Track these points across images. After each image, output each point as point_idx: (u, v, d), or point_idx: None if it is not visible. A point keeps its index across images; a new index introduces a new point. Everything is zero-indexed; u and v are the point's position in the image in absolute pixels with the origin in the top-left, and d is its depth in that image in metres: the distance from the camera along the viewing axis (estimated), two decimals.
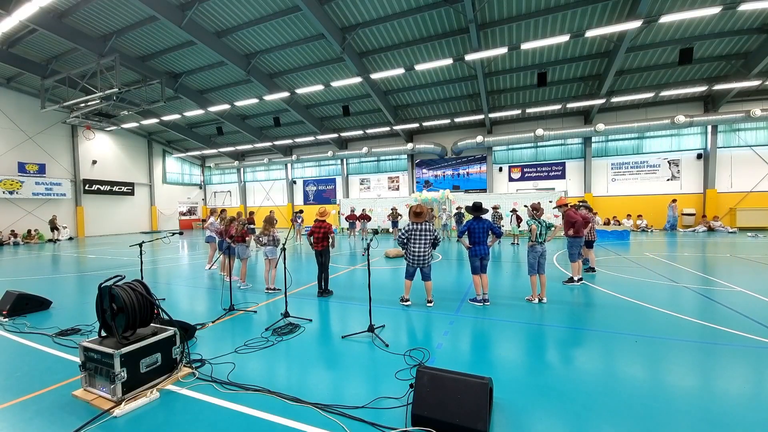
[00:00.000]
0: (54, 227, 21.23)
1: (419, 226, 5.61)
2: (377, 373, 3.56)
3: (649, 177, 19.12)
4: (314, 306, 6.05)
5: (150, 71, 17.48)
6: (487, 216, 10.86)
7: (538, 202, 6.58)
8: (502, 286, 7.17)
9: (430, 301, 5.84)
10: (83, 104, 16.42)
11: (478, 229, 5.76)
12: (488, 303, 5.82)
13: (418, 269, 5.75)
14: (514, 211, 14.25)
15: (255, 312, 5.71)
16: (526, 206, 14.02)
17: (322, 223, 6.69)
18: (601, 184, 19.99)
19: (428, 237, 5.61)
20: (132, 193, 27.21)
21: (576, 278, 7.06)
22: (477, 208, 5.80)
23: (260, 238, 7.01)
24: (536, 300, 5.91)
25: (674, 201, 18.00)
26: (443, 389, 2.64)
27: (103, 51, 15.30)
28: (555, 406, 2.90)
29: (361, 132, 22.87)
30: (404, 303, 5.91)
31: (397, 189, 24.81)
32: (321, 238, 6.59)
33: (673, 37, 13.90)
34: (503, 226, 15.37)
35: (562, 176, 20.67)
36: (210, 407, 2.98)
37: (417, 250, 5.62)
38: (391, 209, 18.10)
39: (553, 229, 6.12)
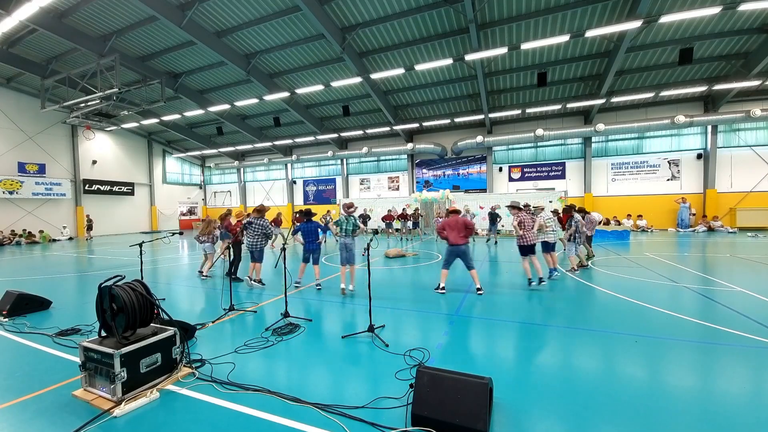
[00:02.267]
0: (90, 227, 22.38)
1: (255, 221, 7.32)
2: (377, 373, 3.55)
3: (649, 177, 19.12)
4: (314, 306, 6.06)
5: (150, 71, 17.48)
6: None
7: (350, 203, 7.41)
8: (495, 282, 7.17)
9: (253, 279, 7.36)
10: (83, 104, 16.41)
11: (308, 230, 7.19)
12: (320, 288, 7.13)
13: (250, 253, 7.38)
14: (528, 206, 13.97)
15: (255, 312, 5.72)
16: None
17: (240, 223, 8.29)
18: (601, 184, 19.99)
19: (258, 230, 7.29)
20: (132, 193, 27.21)
21: (477, 287, 6.38)
22: (307, 213, 7.34)
23: (199, 237, 8.42)
24: (350, 288, 6.72)
25: (684, 200, 17.77)
26: (443, 389, 2.64)
27: (103, 51, 15.30)
28: (555, 406, 2.90)
29: (361, 132, 22.87)
30: (250, 284, 7.42)
31: (397, 189, 24.82)
32: (235, 234, 8.25)
33: (673, 37, 13.91)
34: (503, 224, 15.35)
35: (562, 176, 20.67)
36: (210, 407, 2.98)
37: (249, 239, 7.36)
38: (414, 209, 18.12)
39: (359, 228, 6.85)
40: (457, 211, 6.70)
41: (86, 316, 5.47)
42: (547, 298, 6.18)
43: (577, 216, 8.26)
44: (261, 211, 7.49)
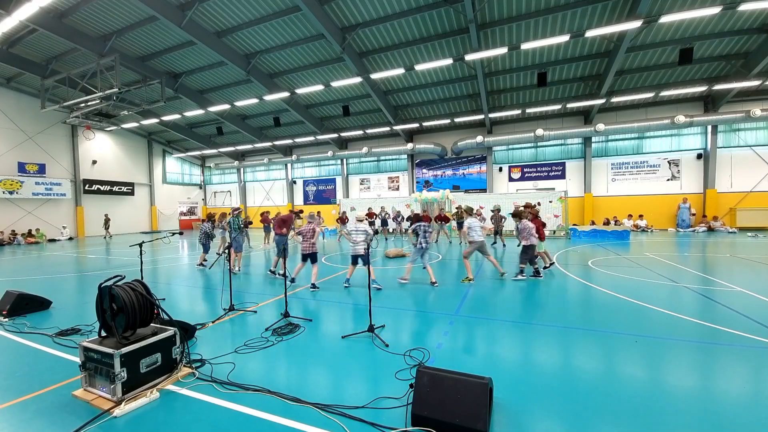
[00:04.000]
0: (107, 225, 22.89)
1: (202, 224, 9.90)
2: (377, 373, 3.56)
3: (649, 177, 19.12)
4: (314, 306, 6.06)
5: (150, 71, 17.48)
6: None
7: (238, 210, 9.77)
8: (496, 283, 7.17)
9: (201, 265, 9.80)
10: (83, 104, 16.40)
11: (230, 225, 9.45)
12: (239, 271, 8.92)
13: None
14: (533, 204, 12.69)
15: (255, 312, 5.72)
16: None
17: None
18: (601, 184, 19.99)
19: (202, 230, 9.86)
20: (132, 193, 27.20)
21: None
22: (236, 211, 9.39)
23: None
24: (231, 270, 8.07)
25: (685, 200, 17.76)
26: (443, 389, 2.65)
27: (103, 51, 15.29)
28: (555, 406, 2.90)
29: (361, 132, 22.86)
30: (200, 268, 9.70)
31: (397, 189, 24.81)
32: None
33: (673, 37, 13.90)
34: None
35: (562, 176, 20.67)
36: (210, 407, 2.99)
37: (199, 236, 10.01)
38: (456, 208, 16.28)
39: (241, 227, 9.46)
40: (293, 212, 9.20)
41: (86, 316, 5.47)
42: (547, 298, 6.18)
43: (461, 221, 7.89)
44: (208, 217, 10.39)
